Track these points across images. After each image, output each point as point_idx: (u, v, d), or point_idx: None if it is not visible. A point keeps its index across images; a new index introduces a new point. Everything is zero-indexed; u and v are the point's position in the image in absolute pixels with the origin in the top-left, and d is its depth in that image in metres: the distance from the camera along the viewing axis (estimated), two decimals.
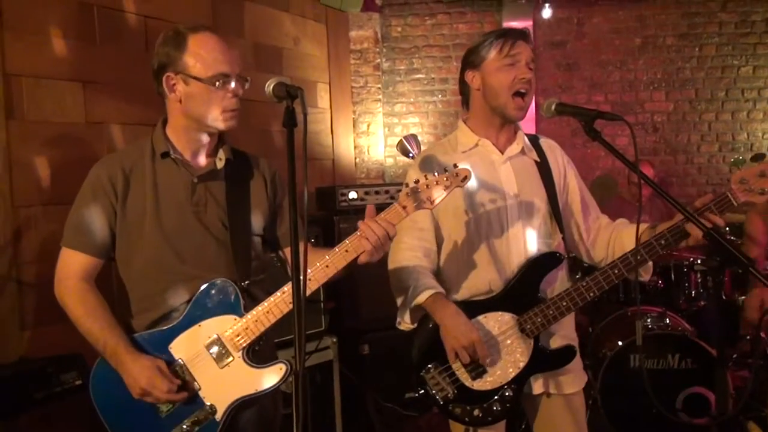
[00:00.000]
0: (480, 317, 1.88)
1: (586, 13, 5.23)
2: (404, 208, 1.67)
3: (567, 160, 2.09)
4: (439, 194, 1.67)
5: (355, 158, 4.89)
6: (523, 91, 1.90)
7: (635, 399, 3.37)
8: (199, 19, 3.24)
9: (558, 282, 1.99)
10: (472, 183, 1.92)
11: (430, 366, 1.89)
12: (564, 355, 1.92)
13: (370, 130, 4.97)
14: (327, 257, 1.68)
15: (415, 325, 1.93)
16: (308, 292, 1.54)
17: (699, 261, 3.70)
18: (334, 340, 3.32)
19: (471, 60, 1.98)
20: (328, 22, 4.57)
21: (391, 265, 2.00)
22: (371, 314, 3.46)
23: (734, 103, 5.29)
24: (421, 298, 1.84)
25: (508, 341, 1.87)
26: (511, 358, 1.87)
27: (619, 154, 1.82)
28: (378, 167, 5.06)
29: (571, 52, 5.26)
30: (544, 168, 2.00)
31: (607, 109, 5.21)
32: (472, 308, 1.89)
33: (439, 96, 5.21)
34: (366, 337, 3.50)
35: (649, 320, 3.67)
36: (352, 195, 3.68)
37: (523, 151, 2.01)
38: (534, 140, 2.07)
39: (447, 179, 1.68)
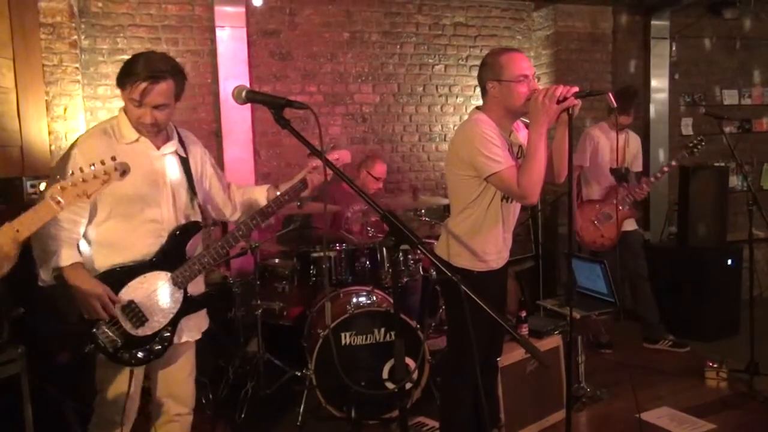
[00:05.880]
0: (140, 277, 2.37)
1: (298, 4, 5.33)
2: (58, 203, 1.68)
3: (203, 151, 2.67)
4: (95, 188, 1.73)
5: (51, 145, 4.36)
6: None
7: (347, 374, 3.57)
8: None
9: (198, 245, 2.61)
10: (134, 171, 2.08)
11: (101, 321, 2.30)
12: (205, 300, 2.58)
13: (67, 114, 4.45)
14: None
15: (53, 282, 2.29)
16: None
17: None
18: (20, 350, 2.91)
19: (123, 78, 2.29)
20: None
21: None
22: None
23: (430, 98, 5.87)
24: (64, 263, 2.25)
25: (165, 293, 2.39)
26: (167, 306, 2.41)
27: (307, 142, 1.88)
28: None
29: (285, 42, 5.32)
30: (186, 162, 2.55)
31: (320, 99, 5.45)
32: (135, 270, 2.37)
33: None
34: (68, 341, 3.14)
35: (359, 299, 3.92)
36: (45, 186, 3.29)
37: (175, 150, 2.51)
38: (180, 137, 2.57)
39: (105, 173, 1.76)
